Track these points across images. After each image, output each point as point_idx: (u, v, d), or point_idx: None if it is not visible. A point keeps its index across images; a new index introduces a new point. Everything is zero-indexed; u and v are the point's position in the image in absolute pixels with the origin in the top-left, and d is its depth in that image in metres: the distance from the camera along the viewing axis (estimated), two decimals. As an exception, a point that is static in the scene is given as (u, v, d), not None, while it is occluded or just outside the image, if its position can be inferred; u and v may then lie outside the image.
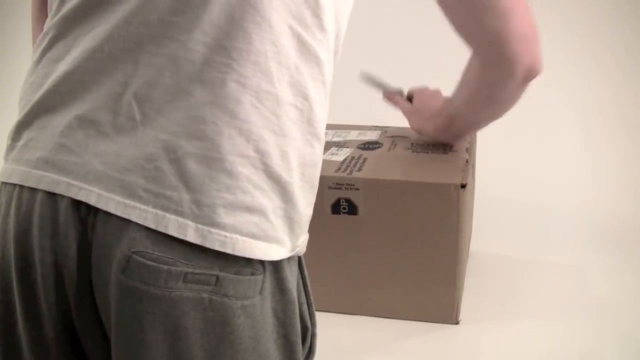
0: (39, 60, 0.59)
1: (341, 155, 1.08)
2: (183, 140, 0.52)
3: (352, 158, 1.07)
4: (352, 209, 1.01)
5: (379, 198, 0.99)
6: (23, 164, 0.57)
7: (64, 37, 0.58)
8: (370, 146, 1.11)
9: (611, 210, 1.40)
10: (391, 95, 1.13)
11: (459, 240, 0.98)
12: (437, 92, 1.09)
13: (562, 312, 1.05)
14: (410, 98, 1.13)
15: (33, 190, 0.55)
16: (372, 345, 0.99)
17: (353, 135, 1.18)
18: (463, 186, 0.95)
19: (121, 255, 0.52)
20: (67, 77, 0.56)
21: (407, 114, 1.11)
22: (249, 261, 0.54)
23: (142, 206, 0.52)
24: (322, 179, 1.06)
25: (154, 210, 0.52)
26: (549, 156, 1.59)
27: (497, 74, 0.80)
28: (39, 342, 0.58)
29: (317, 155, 0.59)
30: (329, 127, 1.24)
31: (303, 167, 0.57)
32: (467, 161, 1.04)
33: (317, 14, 0.55)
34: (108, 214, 0.52)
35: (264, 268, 0.56)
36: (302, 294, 0.63)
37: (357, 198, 1.00)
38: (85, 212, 0.53)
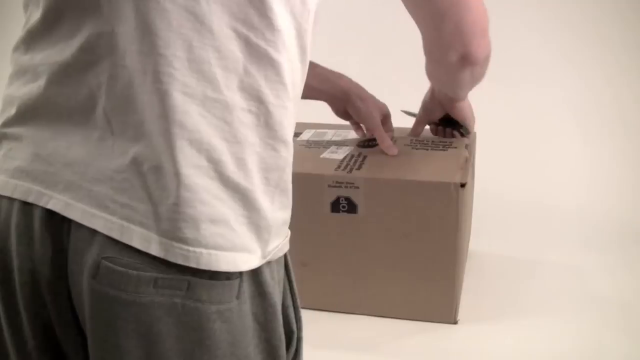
0: (14, 74, 0.60)
1: (341, 153, 1.08)
2: (147, 152, 0.52)
3: (352, 156, 1.06)
4: (352, 208, 1.00)
5: (378, 197, 0.99)
6: (2, 174, 0.58)
7: (32, 50, 0.58)
8: (370, 144, 1.11)
9: (610, 210, 1.40)
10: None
11: (458, 239, 0.98)
12: None
13: (561, 311, 1.05)
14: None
15: (11, 199, 0.56)
16: (370, 344, 0.99)
17: (353, 135, 1.18)
18: (463, 185, 0.95)
19: (92, 261, 0.52)
20: (40, 90, 0.56)
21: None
22: None
23: (108, 216, 0.52)
24: (322, 177, 1.07)
25: (120, 221, 0.52)
26: (548, 156, 1.59)
27: (437, 56, 0.88)
28: (21, 350, 0.58)
29: (283, 158, 0.57)
30: (329, 127, 1.25)
31: (265, 172, 0.56)
32: (467, 159, 1.04)
33: (264, 13, 0.53)
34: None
35: (240, 272, 0.55)
36: (289, 297, 0.62)
37: (356, 196, 1.00)
38: (59, 220, 0.54)
